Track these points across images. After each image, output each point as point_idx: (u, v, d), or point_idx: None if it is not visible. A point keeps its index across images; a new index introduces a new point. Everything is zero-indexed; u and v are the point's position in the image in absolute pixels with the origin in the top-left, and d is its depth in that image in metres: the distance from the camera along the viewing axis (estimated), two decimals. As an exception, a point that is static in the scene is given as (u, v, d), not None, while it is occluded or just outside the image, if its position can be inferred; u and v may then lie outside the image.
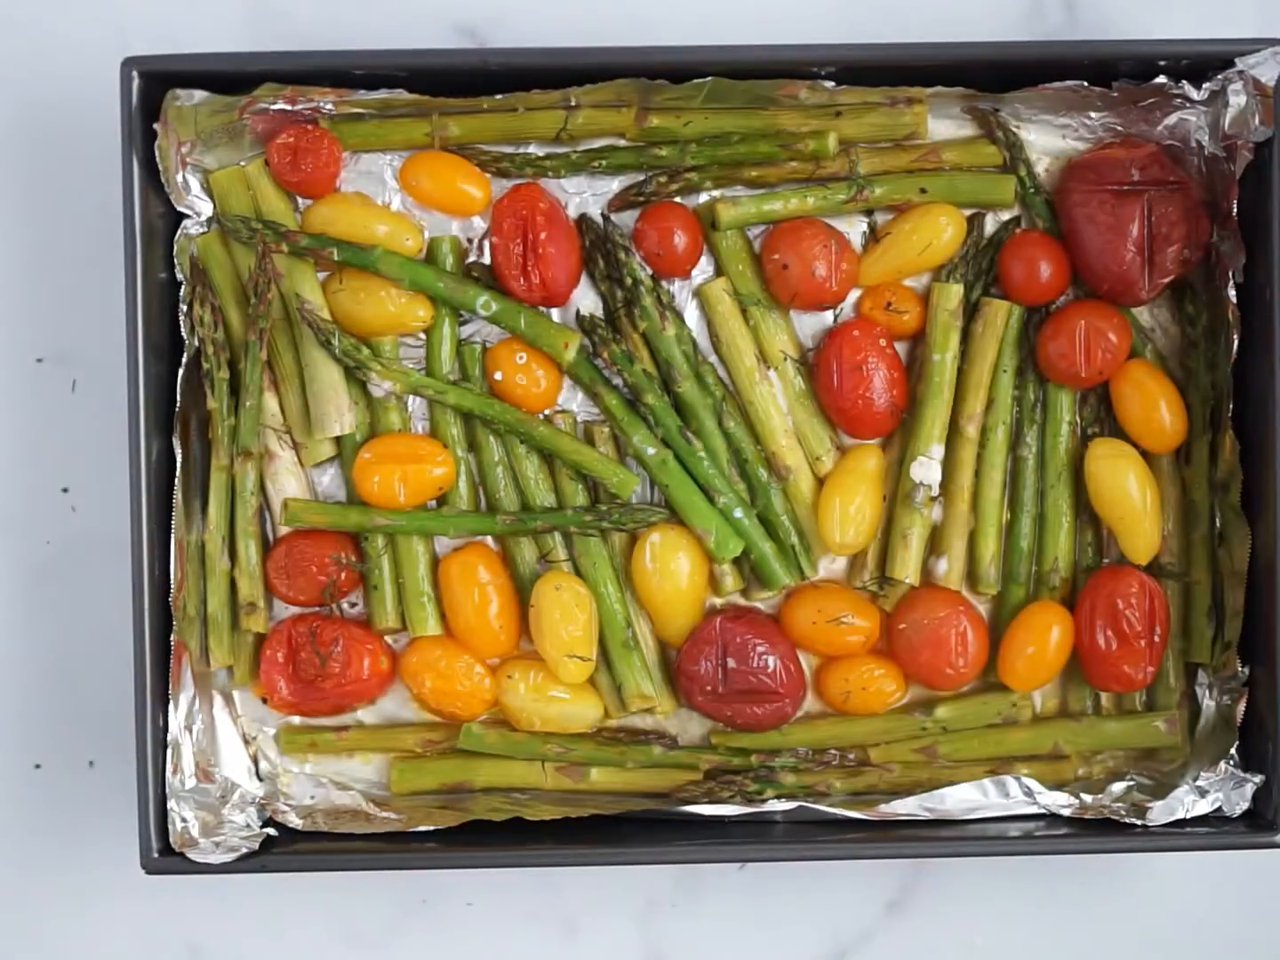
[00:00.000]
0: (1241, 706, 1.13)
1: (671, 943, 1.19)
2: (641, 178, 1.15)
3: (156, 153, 1.11)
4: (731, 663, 1.13)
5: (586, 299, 1.16)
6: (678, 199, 1.14)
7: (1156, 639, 1.13)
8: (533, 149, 1.15)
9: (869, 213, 1.16)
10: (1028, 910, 1.19)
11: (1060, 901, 1.19)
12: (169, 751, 1.11)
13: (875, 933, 1.19)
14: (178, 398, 1.12)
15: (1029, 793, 1.13)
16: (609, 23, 1.17)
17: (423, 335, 1.15)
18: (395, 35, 1.16)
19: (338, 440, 1.15)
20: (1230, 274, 1.12)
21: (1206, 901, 1.19)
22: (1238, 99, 1.10)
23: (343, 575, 1.14)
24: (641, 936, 1.19)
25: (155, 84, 1.10)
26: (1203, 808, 1.12)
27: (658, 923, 1.19)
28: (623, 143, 1.14)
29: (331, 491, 1.16)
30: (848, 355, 1.13)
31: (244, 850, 1.10)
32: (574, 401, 1.16)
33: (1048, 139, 1.16)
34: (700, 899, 1.19)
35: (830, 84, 1.11)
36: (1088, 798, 1.13)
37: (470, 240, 1.16)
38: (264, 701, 1.15)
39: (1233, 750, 1.13)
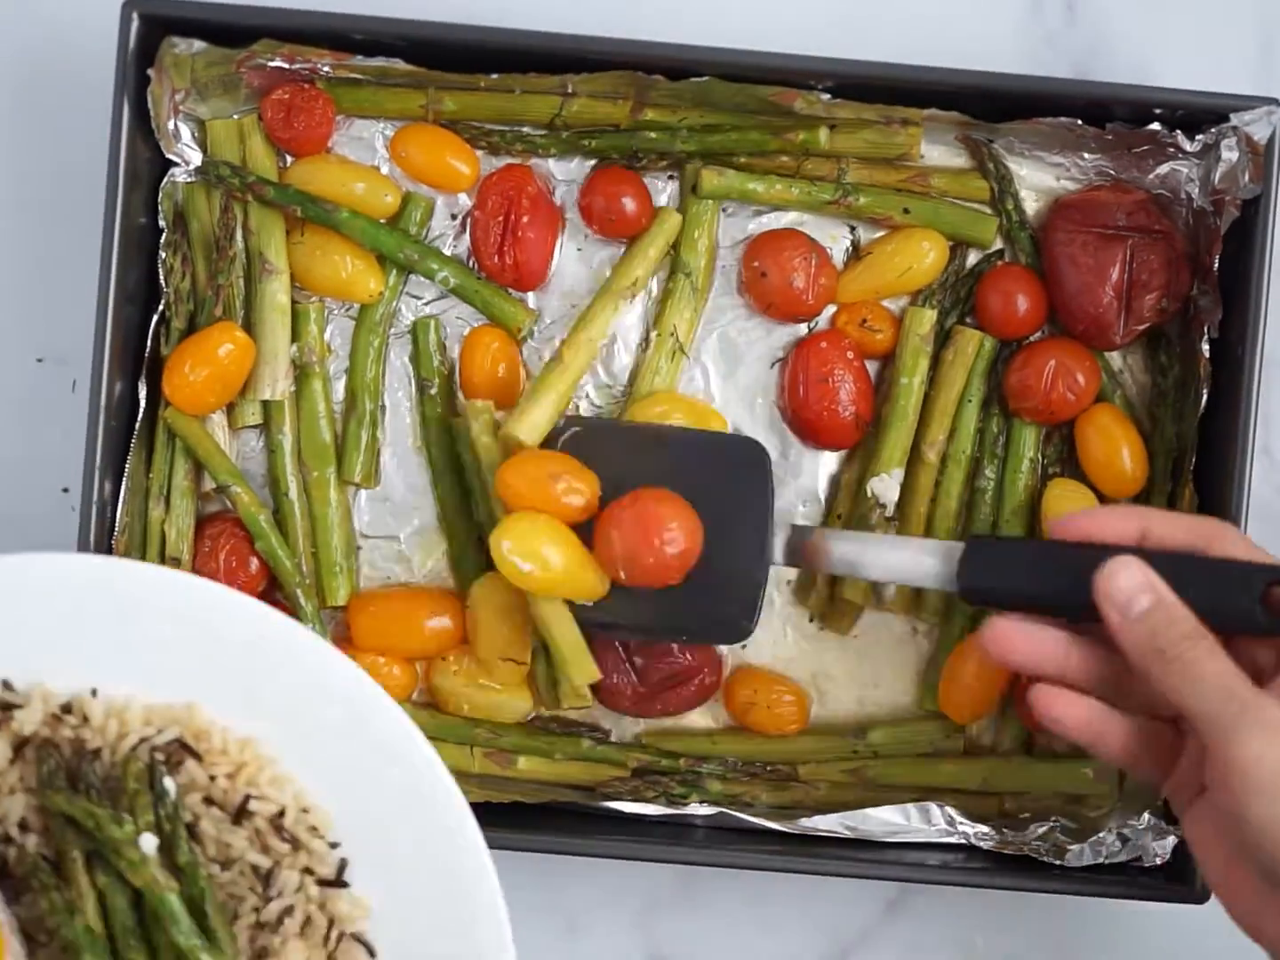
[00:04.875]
0: (1172, 759, 1.14)
1: (671, 943, 1.19)
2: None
3: (149, 98, 1.10)
4: (639, 660, 1.13)
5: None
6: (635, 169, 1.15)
7: (1095, 684, 1.13)
8: (526, 130, 1.15)
9: (852, 228, 1.16)
10: (1027, 910, 1.19)
11: (1061, 904, 1.19)
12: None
13: (876, 933, 1.19)
14: (148, 344, 1.12)
15: (950, 821, 1.13)
16: (618, 19, 1.17)
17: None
18: (403, 12, 1.16)
19: (265, 409, 1.15)
20: (1206, 328, 1.12)
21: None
22: (1230, 154, 1.10)
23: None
24: (641, 936, 1.19)
25: (154, 28, 1.10)
26: (1122, 856, 1.12)
27: (658, 922, 1.19)
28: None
29: (253, 458, 1.16)
30: (814, 366, 1.13)
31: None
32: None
33: (1040, 176, 1.16)
34: (700, 899, 1.19)
35: (826, 96, 1.11)
36: (1009, 833, 1.13)
37: (454, 216, 1.16)
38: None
39: (1159, 801, 1.13)
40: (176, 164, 1.13)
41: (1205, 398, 1.12)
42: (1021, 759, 1.16)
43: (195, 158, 1.14)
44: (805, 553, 1.06)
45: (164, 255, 1.13)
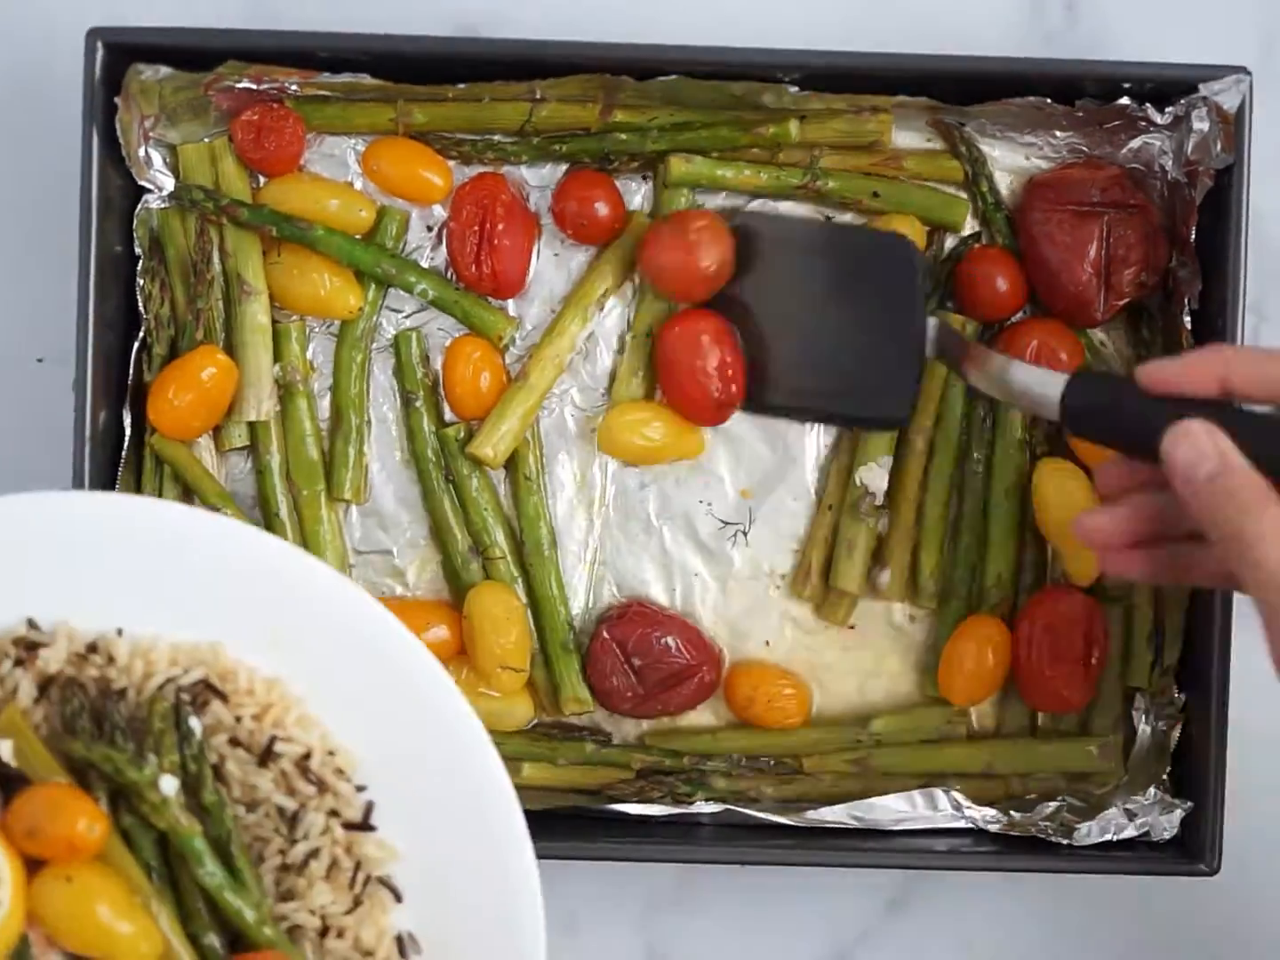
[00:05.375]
0: (1176, 733, 1.14)
1: (671, 942, 1.19)
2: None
3: (118, 126, 1.10)
4: (637, 661, 1.14)
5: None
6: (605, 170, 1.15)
7: (1095, 661, 1.13)
8: (497, 138, 1.15)
9: (827, 218, 1.16)
10: (1028, 910, 1.19)
11: (1062, 903, 1.19)
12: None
13: (876, 932, 1.19)
14: (130, 371, 1.12)
15: (957, 806, 1.13)
16: (613, 23, 1.17)
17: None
18: (367, 26, 1.16)
19: (252, 430, 1.15)
20: (1186, 300, 1.12)
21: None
22: (1201, 125, 1.10)
23: None
24: (641, 936, 1.19)
25: (120, 56, 1.10)
26: (1131, 831, 1.12)
27: (658, 922, 1.19)
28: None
29: (242, 480, 1.16)
30: (679, 347, 1.12)
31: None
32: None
33: (1012, 157, 1.15)
34: (701, 899, 1.19)
35: (794, 89, 1.11)
36: (1016, 815, 1.13)
37: (430, 228, 1.16)
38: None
39: (1164, 776, 1.14)
40: (149, 190, 1.13)
41: (1189, 370, 1.12)
42: (1025, 740, 1.16)
43: (168, 184, 1.14)
44: (952, 349, 1.07)
45: (142, 283, 1.13)
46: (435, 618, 1.14)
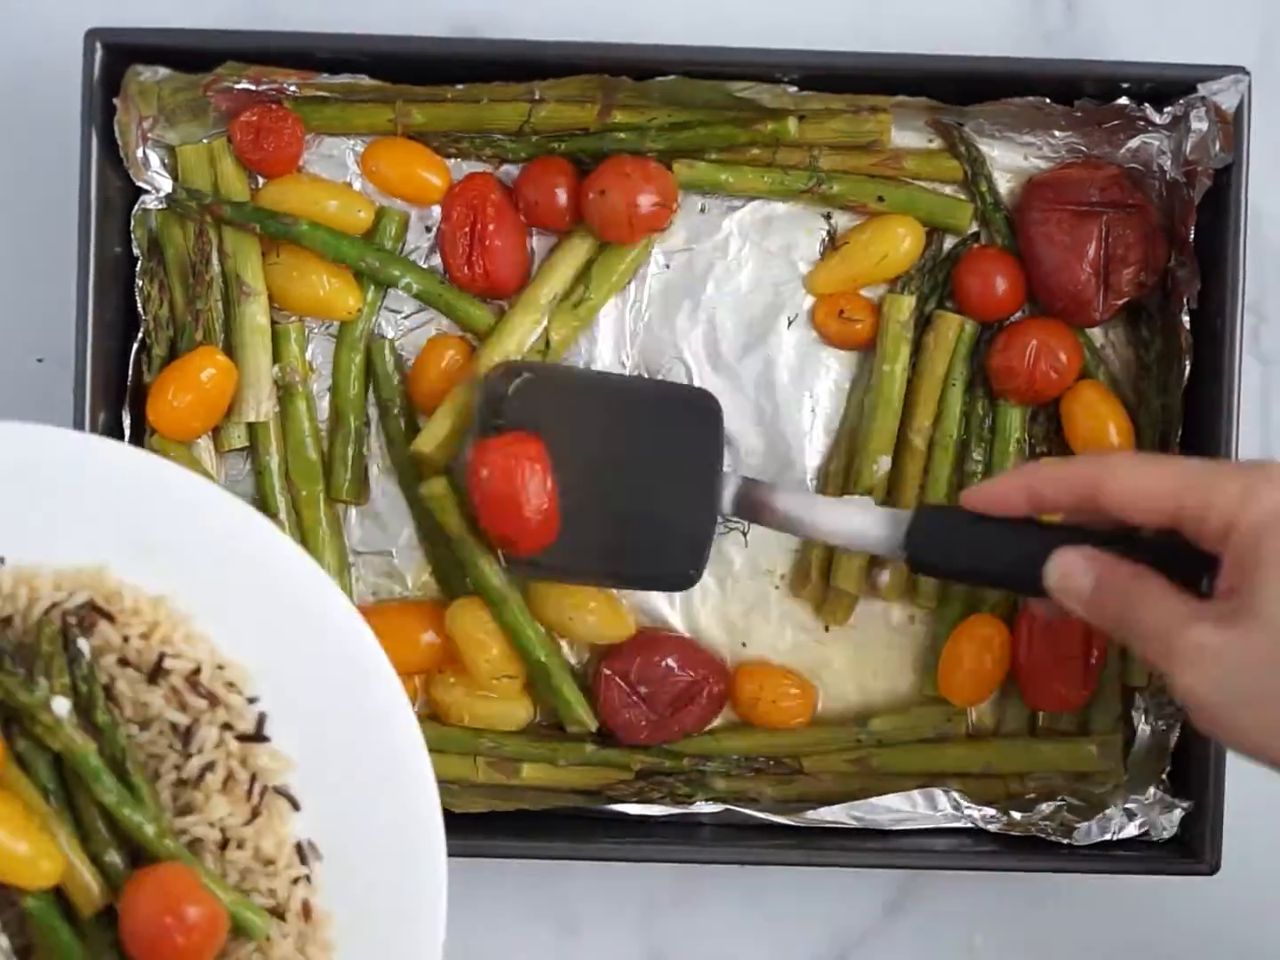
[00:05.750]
0: (1176, 732, 1.14)
1: (671, 942, 1.19)
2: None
3: (116, 127, 1.10)
4: (644, 689, 1.14)
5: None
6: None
7: (1094, 661, 1.13)
8: (495, 136, 1.15)
9: (828, 216, 1.16)
10: (1028, 910, 1.19)
11: (1062, 903, 1.19)
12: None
13: (876, 932, 1.19)
14: (130, 372, 1.12)
15: (957, 806, 1.13)
16: (612, 23, 1.17)
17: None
18: (366, 27, 1.16)
19: (251, 431, 1.15)
20: (1185, 300, 1.12)
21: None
22: (1199, 125, 1.10)
23: None
24: (641, 936, 1.19)
25: (118, 57, 1.10)
26: (1130, 830, 1.12)
27: (658, 922, 1.19)
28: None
29: (241, 480, 1.16)
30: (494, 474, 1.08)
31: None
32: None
33: (1011, 156, 1.15)
34: (701, 899, 1.19)
35: (793, 89, 1.11)
36: (1016, 815, 1.13)
37: (429, 229, 1.16)
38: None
39: (1164, 775, 1.14)
40: (147, 191, 1.13)
41: (1188, 369, 1.12)
42: (1025, 739, 1.16)
43: (166, 185, 1.14)
44: (754, 506, 1.06)
45: (141, 284, 1.13)
46: (433, 620, 1.14)
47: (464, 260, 1.14)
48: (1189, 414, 1.13)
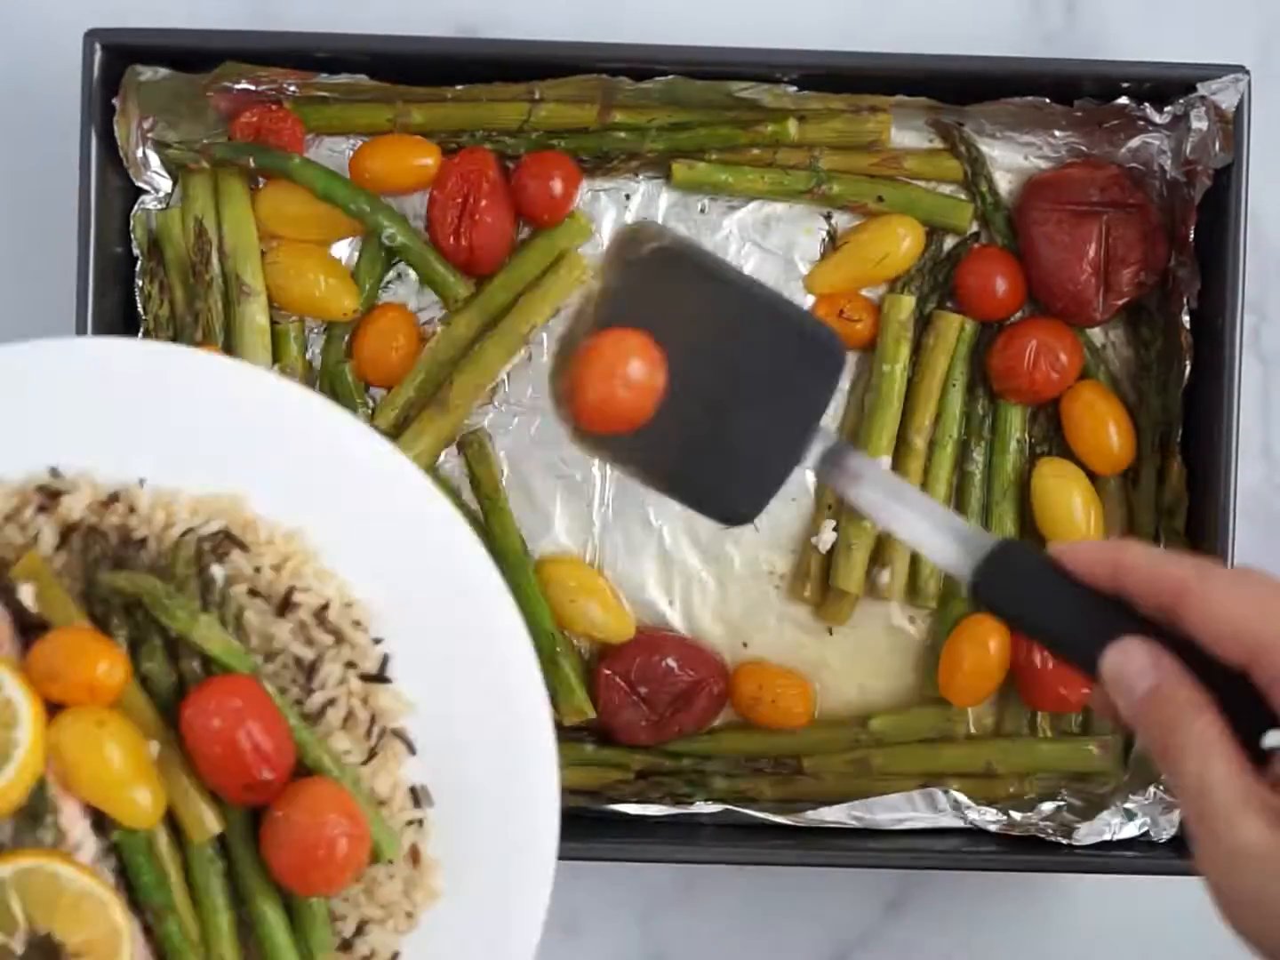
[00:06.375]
0: (1176, 732, 1.14)
1: (671, 942, 1.19)
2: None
3: (115, 128, 1.10)
4: (643, 689, 1.14)
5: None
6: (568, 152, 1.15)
7: (1094, 661, 1.13)
8: (496, 135, 1.15)
9: (828, 216, 1.16)
10: (1028, 910, 1.19)
11: (1062, 903, 1.19)
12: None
13: (875, 932, 1.19)
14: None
15: (957, 806, 1.13)
16: (612, 23, 1.17)
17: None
18: (365, 27, 1.16)
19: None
20: (1185, 300, 1.12)
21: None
22: (1199, 124, 1.10)
23: None
24: (641, 936, 1.19)
25: (118, 57, 1.10)
26: (1130, 830, 1.12)
27: (658, 922, 1.19)
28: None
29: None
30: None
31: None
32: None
33: (1011, 156, 1.15)
34: (701, 899, 1.19)
35: (793, 89, 1.11)
36: (1016, 815, 1.13)
37: (420, 218, 1.15)
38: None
39: (1164, 775, 1.13)
40: (146, 191, 1.13)
41: (1188, 369, 1.12)
42: (1025, 740, 1.16)
43: (165, 185, 1.14)
44: (837, 471, 0.95)
45: (141, 283, 1.13)
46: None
47: (451, 230, 1.13)
48: (1189, 414, 1.13)
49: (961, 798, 1.13)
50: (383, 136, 1.14)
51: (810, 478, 1.16)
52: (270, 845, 0.93)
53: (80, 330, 1.09)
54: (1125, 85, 1.10)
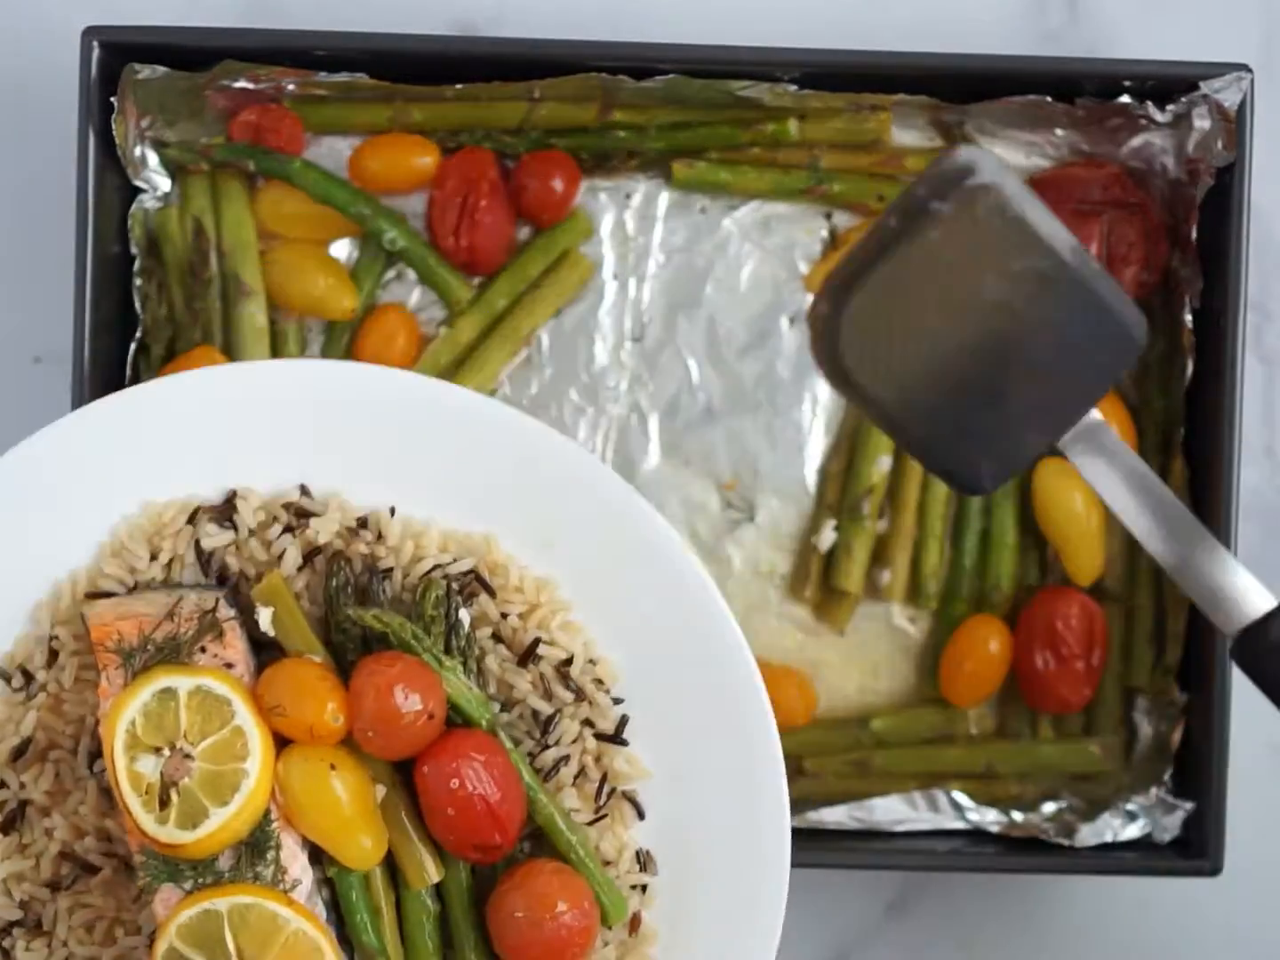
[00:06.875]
0: (1178, 733, 1.13)
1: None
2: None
3: (114, 126, 1.10)
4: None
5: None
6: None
7: (1095, 662, 1.13)
8: (496, 134, 1.14)
9: (828, 215, 1.15)
10: (1029, 911, 1.18)
11: (1063, 904, 1.19)
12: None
13: (876, 933, 1.19)
14: (128, 372, 1.12)
15: (958, 807, 1.13)
16: (612, 23, 1.17)
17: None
18: (363, 25, 1.15)
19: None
20: (1187, 299, 1.12)
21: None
22: (1201, 123, 1.10)
23: None
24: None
25: (116, 56, 1.09)
26: (1132, 832, 1.12)
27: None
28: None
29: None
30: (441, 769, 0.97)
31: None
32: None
33: (1013, 155, 1.15)
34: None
35: (793, 88, 1.11)
36: (1018, 816, 1.13)
37: (419, 217, 1.15)
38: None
39: (1166, 776, 1.13)
40: (145, 190, 1.13)
41: (1191, 369, 1.12)
42: (1026, 741, 1.15)
43: (163, 183, 1.13)
44: (1089, 453, 0.91)
45: (139, 283, 1.12)
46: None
47: (451, 230, 1.13)
48: (1191, 414, 1.13)
49: (962, 799, 1.13)
50: (382, 135, 1.14)
51: (811, 478, 1.15)
52: (496, 919, 0.93)
53: (78, 329, 1.09)
54: (1127, 84, 1.10)
